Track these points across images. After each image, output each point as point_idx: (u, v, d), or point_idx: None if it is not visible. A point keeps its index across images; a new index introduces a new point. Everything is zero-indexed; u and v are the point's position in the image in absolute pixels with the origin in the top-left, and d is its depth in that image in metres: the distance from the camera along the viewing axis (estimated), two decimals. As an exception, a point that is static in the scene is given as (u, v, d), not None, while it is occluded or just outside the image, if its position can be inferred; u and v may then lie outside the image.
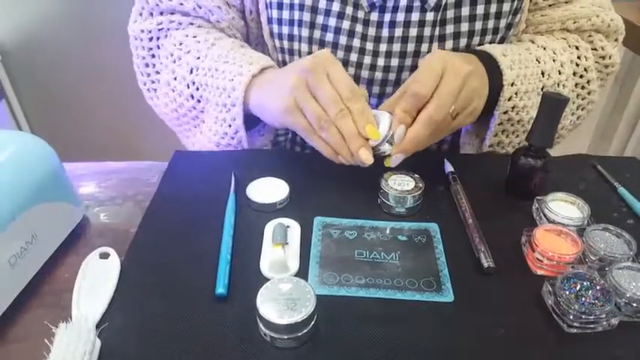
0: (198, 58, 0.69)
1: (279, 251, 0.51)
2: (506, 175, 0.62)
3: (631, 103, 1.56)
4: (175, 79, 0.71)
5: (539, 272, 0.51)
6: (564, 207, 0.57)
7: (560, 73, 0.68)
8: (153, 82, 0.77)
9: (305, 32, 0.67)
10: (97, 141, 1.93)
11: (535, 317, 0.47)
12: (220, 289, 0.47)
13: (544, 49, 0.69)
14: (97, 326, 0.44)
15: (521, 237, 0.54)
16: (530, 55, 0.67)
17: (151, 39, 0.74)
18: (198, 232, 0.55)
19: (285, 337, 0.43)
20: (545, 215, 0.56)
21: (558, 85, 0.68)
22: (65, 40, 1.76)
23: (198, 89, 0.69)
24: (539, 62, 0.67)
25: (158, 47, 0.74)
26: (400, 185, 0.58)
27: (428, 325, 0.46)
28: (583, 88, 0.72)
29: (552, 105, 0.56)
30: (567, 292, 0.46)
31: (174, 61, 0.71)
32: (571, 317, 0.45)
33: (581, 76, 0.71)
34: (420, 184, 0.59)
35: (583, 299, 0.45)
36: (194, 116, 0.73)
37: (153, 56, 0.75)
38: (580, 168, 0.68)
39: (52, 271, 0.51)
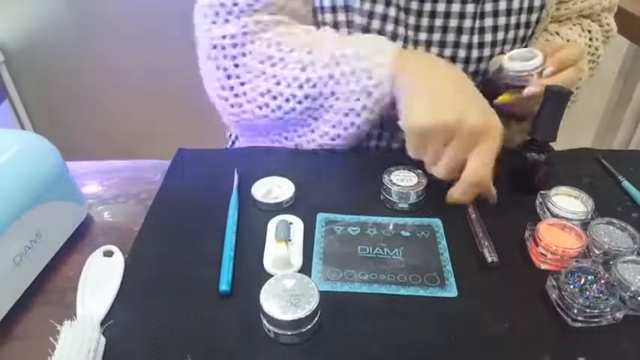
0: (310, 52, 0.63)
1: (282, 248, 0.51)
2: (509, 170, 0.62)
3: (635, 97, 1.55)
4: (279, 84, 0.64)
5: (543, 266, 0.51)
6: (568, 201, 0.57)
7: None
8: (236, 95, 0.67)
9: (351, 17, 0.66)
10: (99, 140, 1.94)
11: (539, 311, 0.47)
12: (224, 286, 0.48)
13: (567, 40, 0.76)
14: (102, 324, 0.44)
15: (525, 231, 0.54)
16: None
17: (235, 45, 0.65)
18: (202, 229, 0.55)
19: (289, 333, 0.43)
20: (548, 209, 0.56)
21: None
22: (68, 40, 1.76)
23: (315, 86, 0.63)
24: None
25: (244, 55, 0.65)
26: (403, 181, 0.58)
27: (432, 320, 0.46)
28: (593, 62, 0.81)
29: (556, 98, 0.55)
30: (571, 286, 0.46)
31: (274, 64, 0.64)
32: (575, 311, 0.45)
33: (592, 54, 0.80)
34: (423, 180, 0.59)
35: (587, 293, 0.45)
36: (302, 118, 0.66)
37: (236, 66, 0.66)
38: (584, 162, 0.67)
39: (56, 269, 0.52)
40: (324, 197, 0.60)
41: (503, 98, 0.63)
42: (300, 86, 0.63)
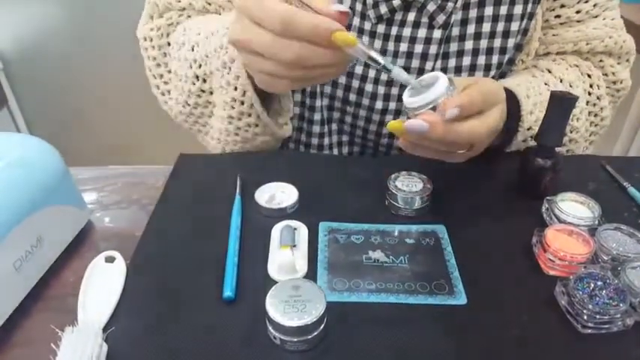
0: (199, 33, 0.65)
1: (287, 253, 0.50)
2: (515, 176, 0.61)
3: (634, 105, 1.56)
4: (181, 65, 0.68)
5: (552, 273, 0.50)
6: (575, 207, 0.56)
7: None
8: (166, 82, 0.73)
9: None
10: (100, 147, 1.93)
11: (549, 318, 0.46)
12: (228, 292, 0.47)
13: (561, 80, 0.68)
14: (104, 330, 0.43)
15: (532, 237, 0.53)
16: (543, 85, 0.66)
17: (161, 36, 0.71)
18: (204, 235, 0.55)
19: (295, 339, 0.42)
20: (555, 215, 0.55)
21: (572, 118, 0.67)
22: (66, 48, 1.76)
23: (200, 66, 0.64)
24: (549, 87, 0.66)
25: (168, 44, 0.71)
26: (408, 186, 0.58)
27: (441, 328, 0.45)
28: (596, 115, 0.72)
29: (561, 104, 0.55)
30: (581, 293, 0.45)
31: (180, 48, 0.67)
32: (585, 317, 0.44)
33: (594, 105, 0.71)
34: (429, 185, 0.58)
35: (597, 299, 0.45)
36: (204, 103, 0.68)
37: (164, 55, 0.72)
38: (589, 168, 0.67)
39: (57, 274, 0.51)
40: (326, 203, 0.60)
41: (393, 123, 0.48)
42: (190, 65, 0.65)
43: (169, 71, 0.72)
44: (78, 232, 0.56)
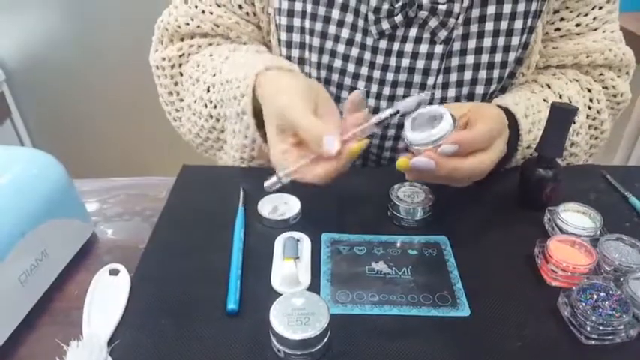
0: (214, 75, 0.67)
1: (290, 265, 0.50)
2: (516, 187, 0.62)
3: (634, 115, 1.56)
4: (195, 101, 0.69)
5: (554, 283, 0.50)
6: (576, 217, 0.56)
7: (574, 122, 0.67)
8: (177, 110, 0.75)
9: (314, 57, 0.66)
10: (103, 158, 1.94)
11: (551, 329, 0.46)
12: (231, 305, 0.47)
13: (560, 96, 0.68)
14: (109, 343, 0.43)
15: (534, 248, 0.54)
16: (542, 102, 0.66)
17: (172, 66, 0.73)
18: (208, 247, 0.55)
19: (299, 352, 0.42)
20: (557, 226, 0.55)
21: (572, 133, 0.68)
22: (68, 58, 1.77)
23: (215, 107, 0.67)
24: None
25: (180, 74, 0.73)
26: (410, 197, 0.58)
27: (444, 340, 0.45)
28: (596, 129, 0.72)
29: (561, 115, 0.55)
30: (584, 303, 0.45)
31: (194, 84, 0.69)
32: (588, 329, 0.44)
33: (594, 119, 0.71)
34: (431, 196, 0.58)
35: (600, 310, 0.45)
36: (216, 138, 0.71)
37: (176, 84, 0.74)
38: (589, 178, 0.67)
39: (61, 287, 0.51)
40: (329, 213, 0.60)
41: (401, 163, 0.51)
42: (205, 105, 0.68)
43: (181, 100, 0.74)
44: (82, 245, 0.56)
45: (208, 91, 0.67)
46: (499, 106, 0.61)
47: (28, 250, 0.47)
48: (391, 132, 0.70)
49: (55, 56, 1.76)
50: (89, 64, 1.78)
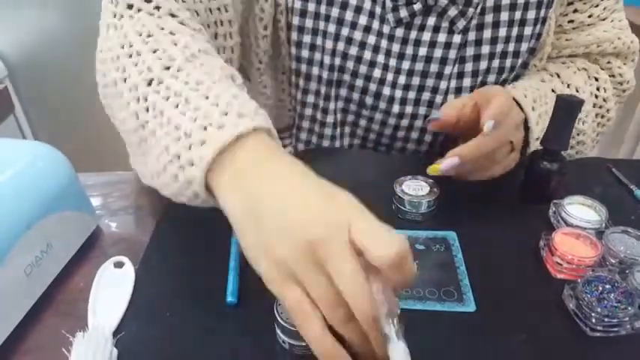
0: (168, 68, 0.44)
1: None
2: (522, 179, 0.61)
3: (639, 109, 1.56)
4: (125, 80, 0.46)
5: (560, 276, 0.50)
6: (582, 210, 0.56)
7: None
8: (102, 62, 0.52)
9: (329, 44, 0.65)
10: (106, 152, 1.93)
11: (557, 321, 0.46)
12: (230, 297, 0.47)
13: (568, 86, 0.69)
14: (114, 335, 0.44)
15: (540, 241, 0.53)
16: (550, 93, 0.67)
17: (115, 15, 0.51)
18: (213, 238, 0.55)
19: (304, 343, 0.42)
20: (562, 218, 0.55)
21: (578, 122, 0.69)
22: (72, 54, 1.77)
23: (148, 110, 0.43)
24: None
25: (116, 28, 0.51)
26: (415, 190, 0.58)
27: (449, 334, 0.45)
28: (602, 117, 0.73)
29: (567, 107, 0.55)
30: (589, 296, 0.45)
31: (131, 55, 0.47)
32: (594, 320, 0.44)
33: (600, 107, 0.72)
34: (435, 189, 0.58)
35: (605, 302, 0.45)
36: (137, 139, 0.46)
37: (111, 28, 0.52)
38: (595, 171, 0.67)
39: (66, 280, 0.51)
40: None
41: (432, 170, 0.56)
42: (138, 99, 0.45)
43: (104, 61, 0.52)
44: (86, 238, 0.56)
45: (150, 84, 0.44)
46: None
47: (33, 242, 0.47)
48: (404, 122, 0.70)
49: (58, 51, 1.76)
50: (91, 58, 1.77)
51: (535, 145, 0.63)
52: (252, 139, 0.39)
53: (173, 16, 0.51)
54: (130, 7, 0.51)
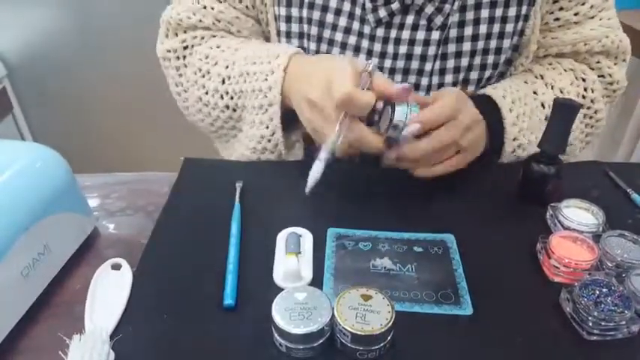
0: (227, 67, 0.68)
1: (293, 260, 0.50)
2: (518, 183, 0.62)
3: (637, 110, 1.56)
4: (207, 93, 0.70)
5: (556, 279, 0.50)
6: (579, 213, 0.56)
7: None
8: (184, 100, 0.76)
9: (312, 46, 0.68)
10: (105, 153, 1.93)
11: (553, 325, 0.46)
12: (228, 300, 0.47)
13: (552, 87, 0.69)
14: (111, 337, 0.44)
15: (537, 244, 0.53)
16: (531, 94, 0.68)
17: (178, 58, 0.74)
18: (210, 241, 0.55)
19: (301, 347, 0.42)
20: (559, 222, 0.55)
21: None
22: (71, 54, 1.77)
23: (232, 98, 0.69)
24: (536, 97, 0.68)
25: (185, 66, 0.74)
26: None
27: (446, 337, 0.45)
28: (591, 118, 0.73)
29: (564, 111, 0.55)
30: (586, 299, 0.45)
31: (204, 76, 0.70)
32: (590, 324, 0.44)
33: (588, 108, 0.72)
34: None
35: (602, 306, 0.45)
36: (231, 126, 0.72)
37: (180, 75, 0.75)
38: (592, 174, 0.67)
39: (63, 282, 0.51)
40: (333, 210, 0.60)
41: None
42: (222, 97, 0.69)
43: (185, 91, 0.75)
44: (84, 240, 0.56)
45: (224, 82, 0.69)
46: (486, 96, 0.65)
47: (31, 244, 0.47)
48: None
49: (57, 51, 1.76)
50: (91, 59, 1.78)
51: (511, 145, 0.65)
52: (292, 59, 0.64)
53: (214, 36, 0.73)
54: (186, 47, 0.73)
